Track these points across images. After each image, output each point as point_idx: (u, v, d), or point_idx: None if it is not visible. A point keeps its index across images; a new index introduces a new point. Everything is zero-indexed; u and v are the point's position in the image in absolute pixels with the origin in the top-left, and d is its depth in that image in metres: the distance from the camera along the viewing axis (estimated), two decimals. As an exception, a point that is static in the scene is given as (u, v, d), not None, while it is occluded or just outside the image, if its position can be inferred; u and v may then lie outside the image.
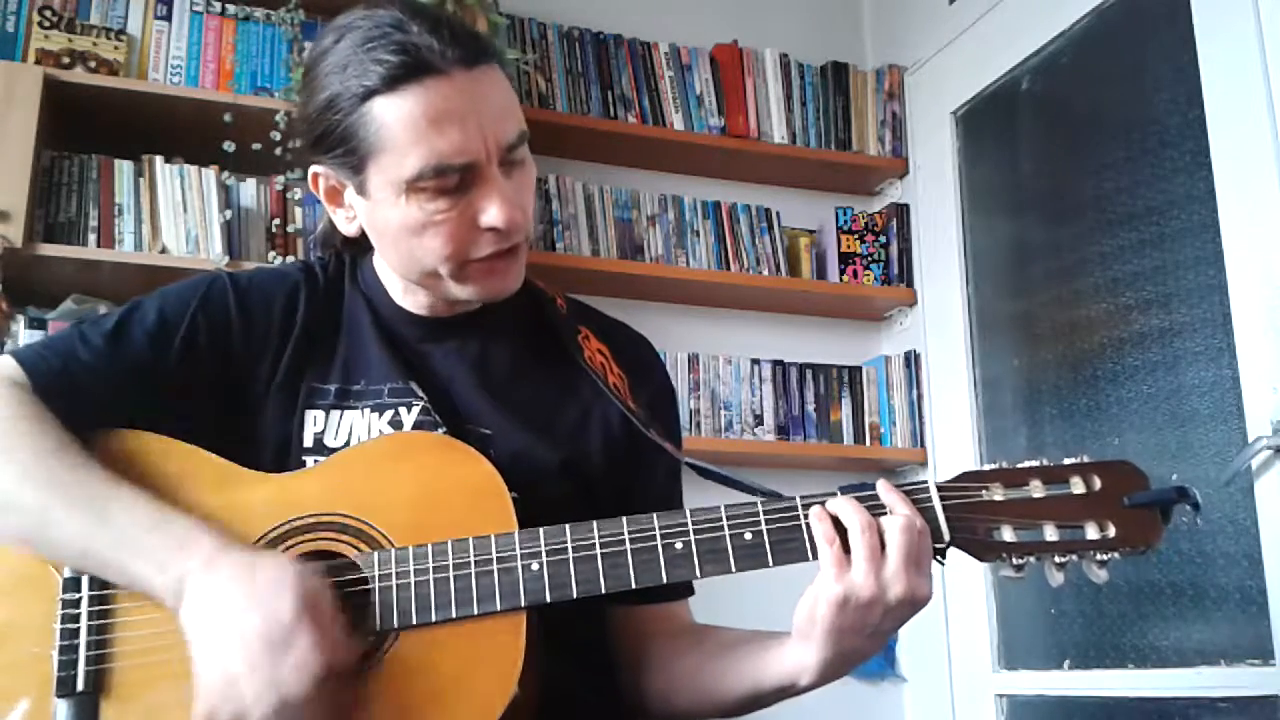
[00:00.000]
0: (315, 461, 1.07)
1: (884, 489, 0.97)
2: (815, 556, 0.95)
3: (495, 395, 1.12)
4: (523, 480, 1.03)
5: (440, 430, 1.08)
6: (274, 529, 0.97)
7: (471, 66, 1.01)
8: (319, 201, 1.13)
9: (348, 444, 1.08)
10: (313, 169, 1.10)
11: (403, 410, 1.09)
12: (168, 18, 2.42)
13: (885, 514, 0.94)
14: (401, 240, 1.06)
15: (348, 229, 1.12)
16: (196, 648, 0.89)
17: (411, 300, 1.15)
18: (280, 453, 1.07)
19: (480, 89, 1.02)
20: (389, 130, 1.00)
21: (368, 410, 1.09)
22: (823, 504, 0.96)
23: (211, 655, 0.88)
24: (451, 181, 1.01)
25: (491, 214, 1.02)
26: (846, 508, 0.94)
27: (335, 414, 1.09)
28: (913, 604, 0.93)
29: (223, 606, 0.88)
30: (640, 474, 1.16)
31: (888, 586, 0.91)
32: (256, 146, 2.32)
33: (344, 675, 0.89)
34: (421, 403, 1.09)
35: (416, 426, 1.08)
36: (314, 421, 1.09)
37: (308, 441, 1.08)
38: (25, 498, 0.95)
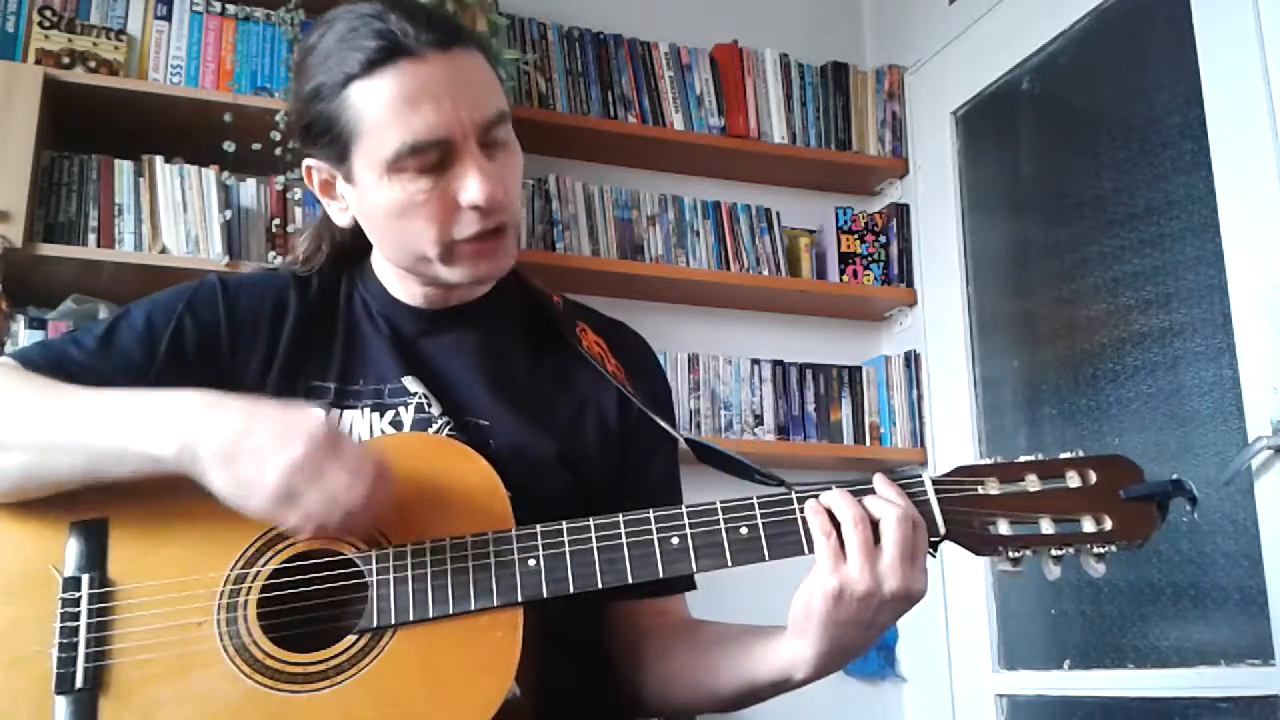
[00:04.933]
0: None
1: (880, 483, 0.97)
2: (811, 550, 0.95)
3: (493, 386, 1.13)
4: (521, 471, 1.04)
5: (437, 423, 1.08)
6: (272, 528, 0.97)
7: (447, 49, 1.03)
8: (317, 201, 1.14)
9: None
10: (305, 162, 1.12)
11: (402, 410, 1.10)
12: (168, 18, 2.42)
13: (883, 506, 0.94)
14: (389, 225, 1.07)
15: (342, 220, 1.13)
16: (236, 490, 0.91)
17: (408, 292, 1.16)
18: None
19: (455, 69, 1.03)
20: (368, 113, 1.02)
21: (367, 410, 1.10)
22: (817, 497, 0.96)
23: (255, 488, 0.90)
24: (430, 160, 1.02)
25: (471, 190, 1.03)
26: (839, 501, 0.94)
27: (335, 413, 1.10)
28: (908, 598, 0.93)
29: (244, 442, 0.90)
30: (638, 464, 1.17)
31: (883, 580, 0.91)
32: (256, 146, 2.32)
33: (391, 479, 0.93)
34: (415, 399, 1.10)
35: (414, 425, 1.08)
36: None
37: None
38: (16, 435, 0.97)
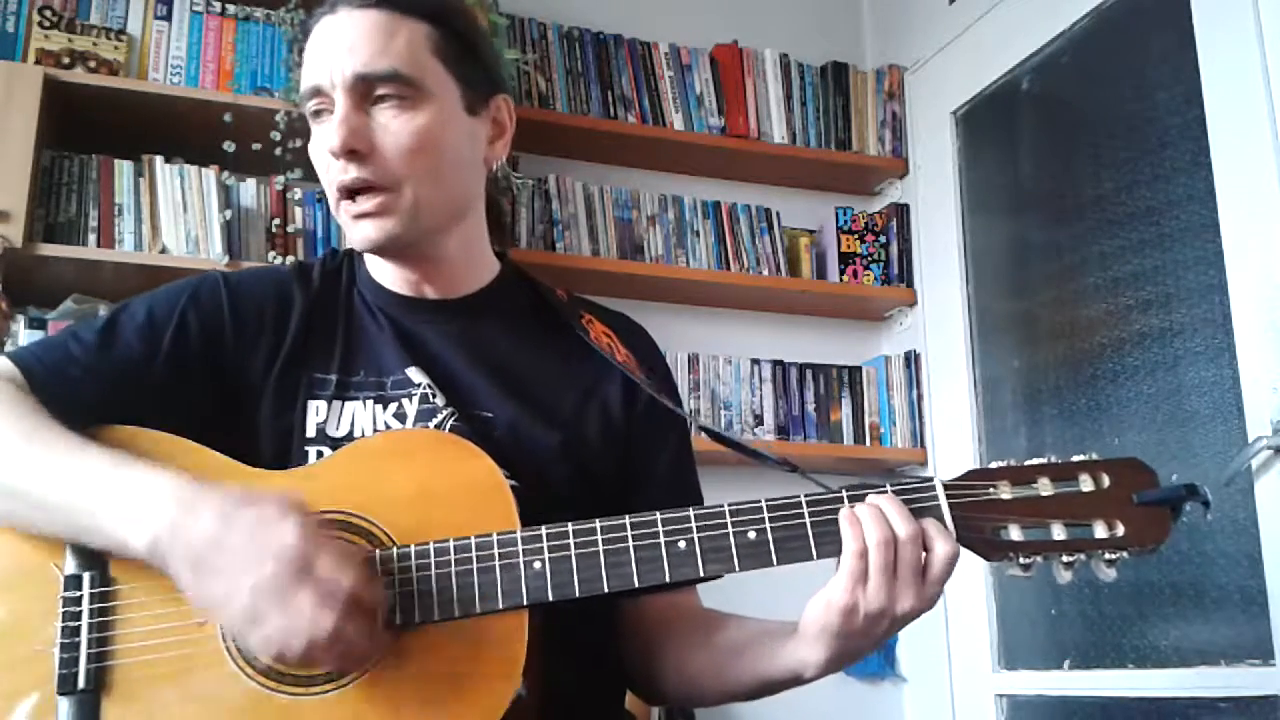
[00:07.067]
0: (318, 452, 1.07)
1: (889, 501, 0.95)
2: (819, 556, 0.95)
3: (493, 378, 1.13)
4: (524, 462, 1.04)
5: (441, 415, 1.08)
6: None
7: (351, 6, 1.09)
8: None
9: (350, 434, 1.08)
10: None
11: (405, 401, 1.09)
12: (168, 18, 2.42)
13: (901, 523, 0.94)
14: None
15: None
16: (202, 600, 0.88)
17: (391, 280, 1.17)
18: (281, 443, 1.07)
19: (348, 23, 1.08)
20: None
21: (370, 401, 1.10)
22: (850, 506, 0.95)
23: (222, 603, 0.86)
24: (315, 108, 1.09)
25: (325, 134, 1.07)
26: (868, 518, 0.93)
27: (336, 404, 1.10)
28: (918, 613, 0.94)
29: (216, 552, 0.86)
30: (644, 458, 1.17)
31: (897, 600, 0.92)
32: (256, 146, 2.32)
33: (371, 609, 0.87)
34: (420, 390, 1.10)
35: (419, 416, 1.08)
36: (316, 412, 1.09)
37: (310, 431, 1.08)
38: (2, 479, 0.96)
